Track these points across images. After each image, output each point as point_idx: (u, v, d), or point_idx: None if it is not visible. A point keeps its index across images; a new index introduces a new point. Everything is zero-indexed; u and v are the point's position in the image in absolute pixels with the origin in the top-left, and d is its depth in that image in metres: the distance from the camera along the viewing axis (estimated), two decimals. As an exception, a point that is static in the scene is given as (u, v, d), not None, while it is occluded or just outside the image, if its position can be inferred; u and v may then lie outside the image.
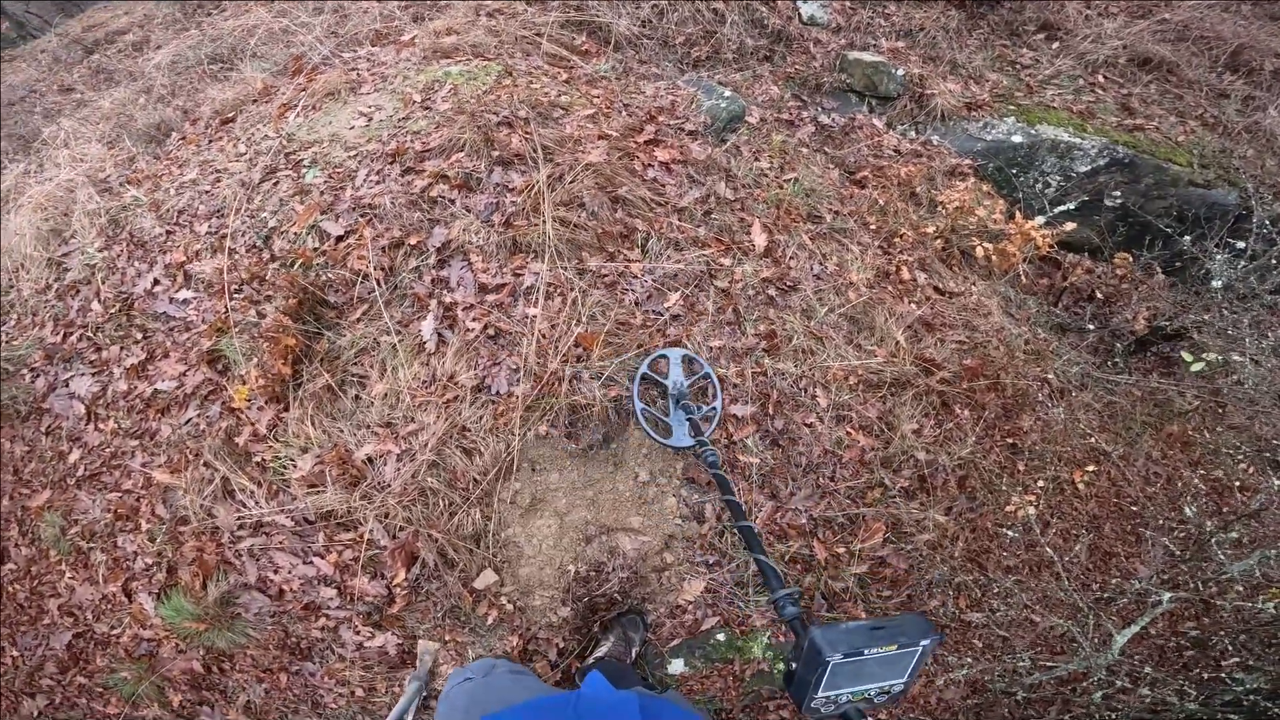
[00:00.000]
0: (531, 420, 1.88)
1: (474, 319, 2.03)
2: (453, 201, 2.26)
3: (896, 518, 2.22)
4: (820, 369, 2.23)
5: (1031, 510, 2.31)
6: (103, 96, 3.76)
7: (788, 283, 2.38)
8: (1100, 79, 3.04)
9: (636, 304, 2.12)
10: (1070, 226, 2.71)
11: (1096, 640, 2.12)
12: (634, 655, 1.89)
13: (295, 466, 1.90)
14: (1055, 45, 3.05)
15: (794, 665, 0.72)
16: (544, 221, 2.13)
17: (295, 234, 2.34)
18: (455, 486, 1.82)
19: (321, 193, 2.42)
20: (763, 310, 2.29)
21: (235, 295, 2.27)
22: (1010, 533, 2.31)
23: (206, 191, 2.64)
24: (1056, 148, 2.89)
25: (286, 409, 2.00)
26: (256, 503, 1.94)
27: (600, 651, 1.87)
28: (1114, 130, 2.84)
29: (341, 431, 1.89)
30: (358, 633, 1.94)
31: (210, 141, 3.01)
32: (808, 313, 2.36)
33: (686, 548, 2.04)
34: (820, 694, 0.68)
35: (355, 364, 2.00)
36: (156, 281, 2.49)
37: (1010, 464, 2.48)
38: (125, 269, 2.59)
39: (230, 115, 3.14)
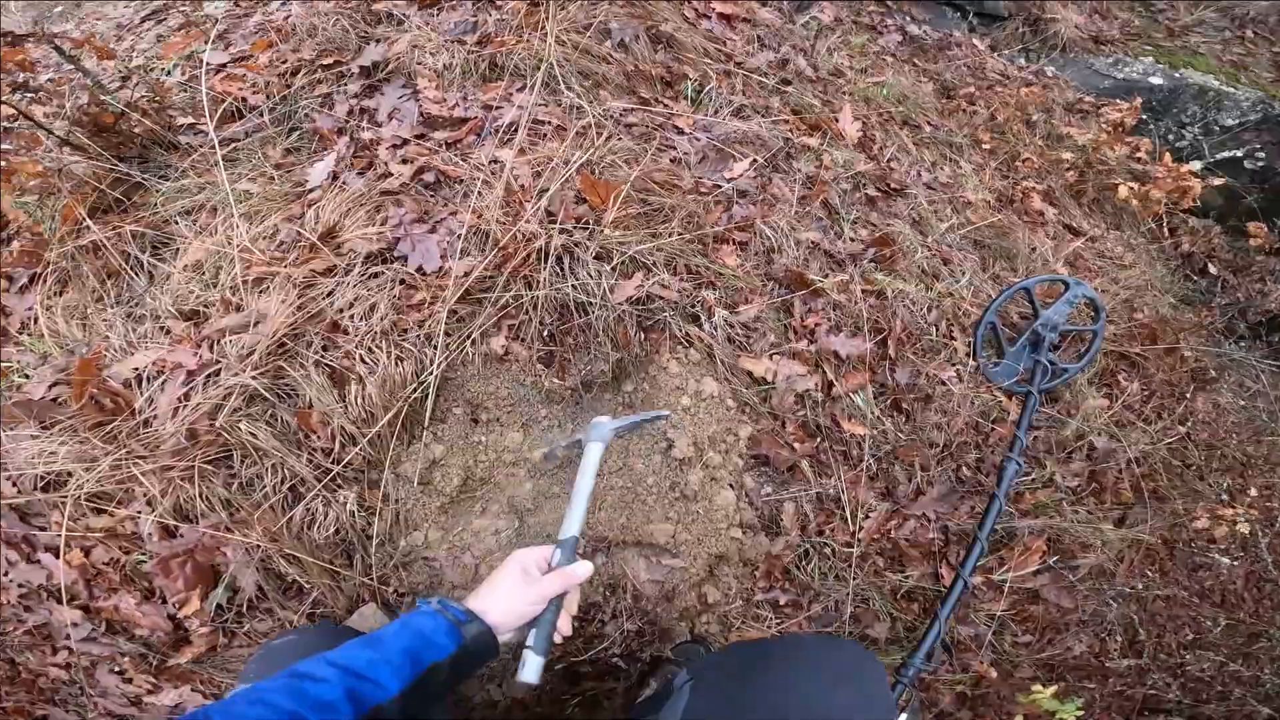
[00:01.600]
0: (474, 323, 0.78)
1: (402, 160, 0.94)
2: (406, 17, 1.19)
3: (1060, 532, 1.12)
4: (955, 297, 1.15)
5: (1244, 527, 1.23)
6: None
7: (892, 184, 1.31)
8: (1250, 34, 2.06)
9: (683, 164, 1.04)
10: (1219, 181, 1.69)
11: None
12: None
13: (23, 386, 0.79)
14: (1197, -5, 2.07)
15: None
16: (544, 36, 1.06)
17: (162, 69, 1.26)
18: (302, 444, 0.71)
19: (218, 22, 1.35)
20: (863, 211, 1.22)
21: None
22: (1224, 559, 1.22)
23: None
24: (1203, 95, 1.91)
25: (62, 290, 0.90)
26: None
27: (646, 694, 0.79)
28: (1270, 86, 1.86)
29: (109, 326, 0.79)
30: (128, 680, 0.81)
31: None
32: (920, 225, 1.29)
33: (744, 576, 0.93)
34: None
35: (178, 220, 0.90)
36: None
37: (1182, 460, 1.39)
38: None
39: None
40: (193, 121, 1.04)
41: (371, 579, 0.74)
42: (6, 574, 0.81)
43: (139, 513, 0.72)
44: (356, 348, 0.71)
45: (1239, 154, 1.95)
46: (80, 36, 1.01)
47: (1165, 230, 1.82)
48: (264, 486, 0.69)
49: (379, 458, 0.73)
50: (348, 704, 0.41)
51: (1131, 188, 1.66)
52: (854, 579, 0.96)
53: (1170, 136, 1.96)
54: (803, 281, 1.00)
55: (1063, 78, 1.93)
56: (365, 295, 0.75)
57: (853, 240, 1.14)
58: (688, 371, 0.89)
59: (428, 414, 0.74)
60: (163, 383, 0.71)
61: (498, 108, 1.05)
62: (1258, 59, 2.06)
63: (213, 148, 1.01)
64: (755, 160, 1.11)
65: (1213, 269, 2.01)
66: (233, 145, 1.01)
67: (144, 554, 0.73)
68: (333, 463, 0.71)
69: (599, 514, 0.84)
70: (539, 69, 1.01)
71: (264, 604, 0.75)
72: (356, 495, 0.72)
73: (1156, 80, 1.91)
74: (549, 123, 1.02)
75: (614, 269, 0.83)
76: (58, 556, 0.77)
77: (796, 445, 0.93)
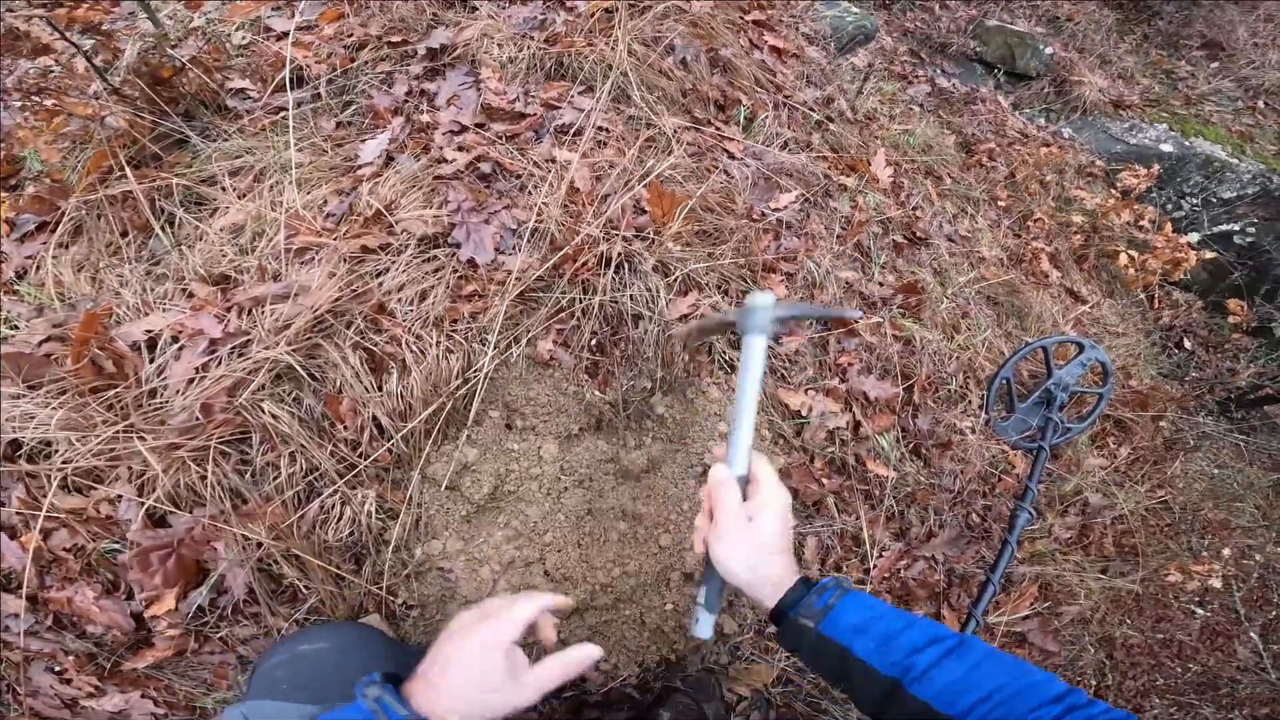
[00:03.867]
0: (526, 323, 0.70)
1: (459, 147, 0.86)
2: (478, 6, 1.12)
3: (1051, 579, 1.10)
4: (974, 351, 1.13)
5: (1216, 582, 1.23)
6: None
7: (917, 233, 1.29)
8: (1260, 105, 2.09)
9: (733, 190, 0.99)
10: (1209, 255, 1.71)
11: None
12: None
13: (11, 339, 0.67)
14: (1215, 65, 2.11)
15: None
16: (615, 44, 1.00)
17: (220, 33, 1.15)
18: (327, 433, 0.62)
19: (286, -12, 1.24)
20: (890, 256, 1.19)
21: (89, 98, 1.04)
22: (1200, 610, 1.22)
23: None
24: (1208, 165, 1.90)
25: (74, 240, 0.78)
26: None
27: None
28: (1273, 159, 1.88)
29: (123, 283, 0.68)
30: (66, 681, 0.68)
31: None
32: (941, 277, 1.27)
33: (760, 609, 0.86)
34: None
35: (223, 179, 0.80)
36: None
37: (1160, 520, 1.40)
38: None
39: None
40: (246, 86, 0.94)
41: (380, 587, 0.65)
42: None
43: (123, 495, 0.60)
44: (405, 334, 0.62)
45: (1234, 228, 1.93)
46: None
47: (1155, 302, 1.82)
48: (278, 477, 0.59)
49: (409, 456, 0.64)
50: None
51: (1131, 256, 1.66)
52: (863, 618, 0.91)
53: (1169, 206, 1.96)
54: (840, 320, 0.96)
55: (1078, 140, 1.92)
56: (418, 279, 0.66)
57: (881, 285, 1.11)
58: (727, 398, 0.83)
59: (471, 414, 0.65)
60: (179, 349, 0.60)
61: (558, 107, 0.98)
62: (1265, 130, 2.06)
63: (267, 112, 0.91)
64: (801, 194, 1.07)
65: (1188, 344, 2.01)
66: (283, 113, 0.91)
67: (118, 542, 0.62)
68: (359, 457, 0.61)
69: (635, 536, 0.76)
70: (608, 75, 0.95)
71: (251, 608, 0.64)
72: (377, 495, 0.63)
73: (1167, 147, 1.88)
74: (608, 129, 0.96)
75: (670, 284, 0.77)
76: (13, 537, 0.65)
77: (824, 481, 0.87)
